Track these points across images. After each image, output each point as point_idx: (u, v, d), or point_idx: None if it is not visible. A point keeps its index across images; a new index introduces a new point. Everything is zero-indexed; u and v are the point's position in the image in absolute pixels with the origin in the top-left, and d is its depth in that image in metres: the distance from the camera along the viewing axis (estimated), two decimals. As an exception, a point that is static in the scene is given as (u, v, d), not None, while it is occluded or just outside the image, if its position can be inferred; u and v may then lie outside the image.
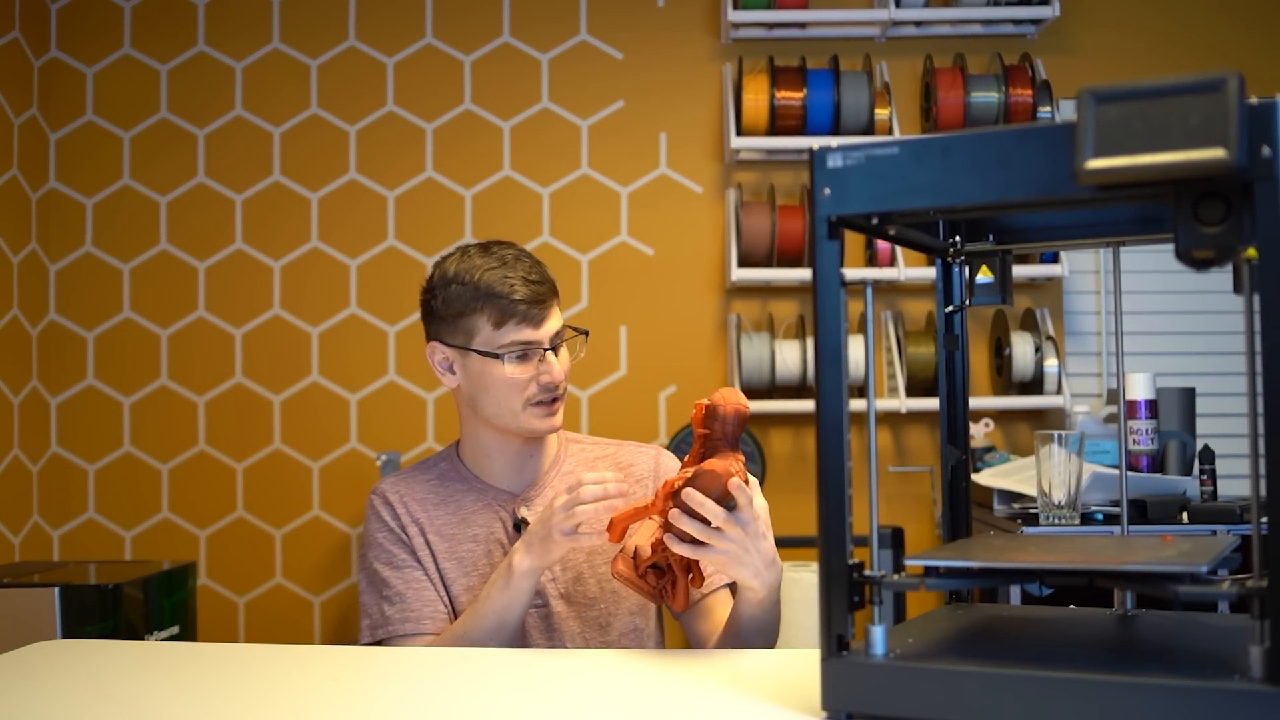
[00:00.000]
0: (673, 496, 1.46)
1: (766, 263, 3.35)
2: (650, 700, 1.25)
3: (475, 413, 1.77)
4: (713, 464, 1.46)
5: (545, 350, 1.72)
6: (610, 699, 1.27)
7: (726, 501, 1.45)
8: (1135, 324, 3.39)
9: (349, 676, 1.37)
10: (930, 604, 3.06)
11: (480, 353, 1.72)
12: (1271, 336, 0.92)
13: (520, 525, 1.78)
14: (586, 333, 1.83)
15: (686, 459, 1.53)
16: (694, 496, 1.44)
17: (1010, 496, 2.71)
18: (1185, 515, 2.48)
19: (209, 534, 3.47)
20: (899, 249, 3.33)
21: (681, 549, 1.47)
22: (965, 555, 1.12)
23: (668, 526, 1.48)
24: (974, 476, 2.83)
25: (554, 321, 1.74)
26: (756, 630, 1.60)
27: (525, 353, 1.71)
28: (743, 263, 3.37)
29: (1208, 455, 2.56)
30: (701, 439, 1.51)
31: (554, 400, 1.74)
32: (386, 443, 3.44)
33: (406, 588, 1.73)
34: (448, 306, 1.74)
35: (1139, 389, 2.59)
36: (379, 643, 1.73)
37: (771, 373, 3.30)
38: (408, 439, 3.46)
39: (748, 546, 1.47)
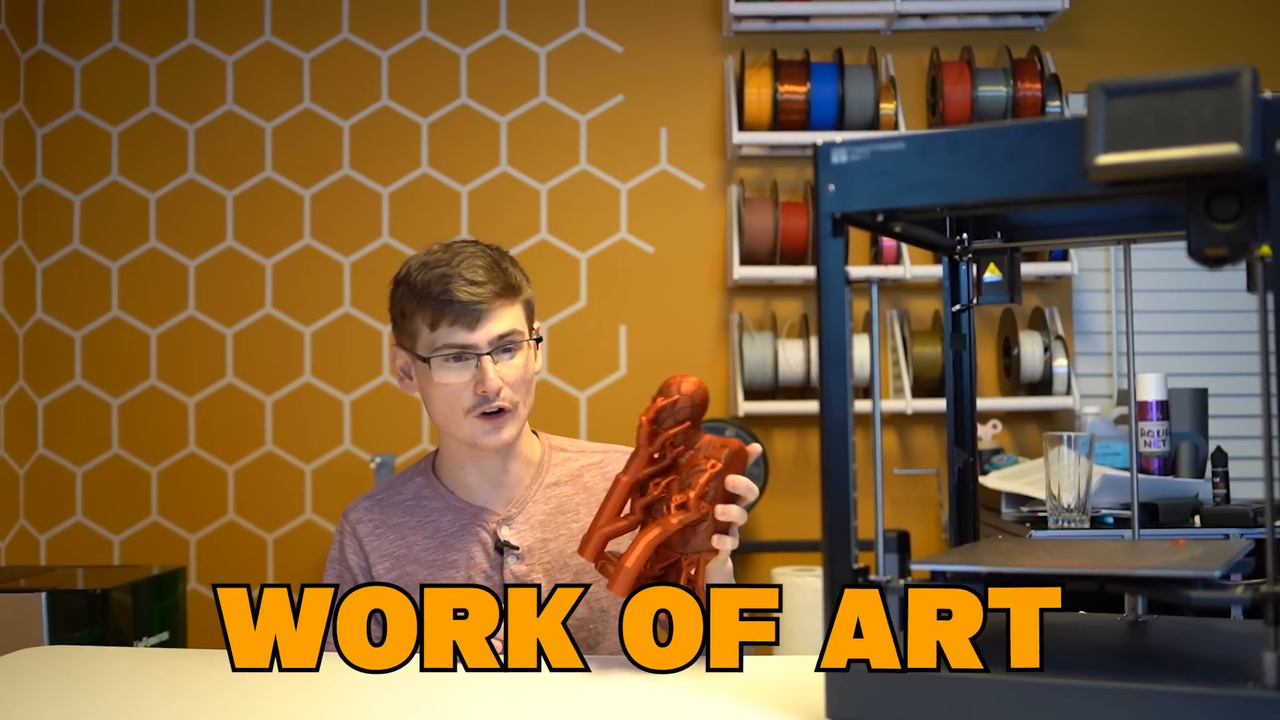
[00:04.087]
0: (700, 497, 1.42)
1: (769, 261, 3.33)
2: (649, 709, 1.23)
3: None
4: (727, 443, 1.45)
5: (482, 355, 1.61)
6: (607, 707, 1.24)
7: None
8: (1146, 323, 3.37)
9: (342, 685, 1.34)
10: (936, 610, 3.03)
11: (419, 357, 1.65)
12: (1285, 336, 0.91)
13: (502, 548, 1.69)
14: (540, 339, 1.71)
15: (640, 462, 1.46)
16: (740, 483, 1.43)
17: (1018, 499, 2.70)
18: (1197, 519, 2.46)
19: (199, 538, 3.44)
20: (905, 246, 3.30)
21: (728, 543, 1.44)
22: (972, 560, 1.12)
23: (689, 525, 1.43)
24: (981, 479, 2.81)
25: (499, 324, 1.62)
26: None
27: (460, 356, 1.62)
28: (745, 261, 3.34)
29: (1220, 457, 2.55)
30: (674, 435, 1.45)
31: (500, 412, 1.63)
32: (380, 445, 3.41)
33: None
34: (395, 308, 1.68)
35: (1150, 390, 2.58)
36: None
37: (774, 373, 3.28)
38: (402, 441, 3.43)
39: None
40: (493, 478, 1.72)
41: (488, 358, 1.61)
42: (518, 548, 1.68)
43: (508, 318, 1.64)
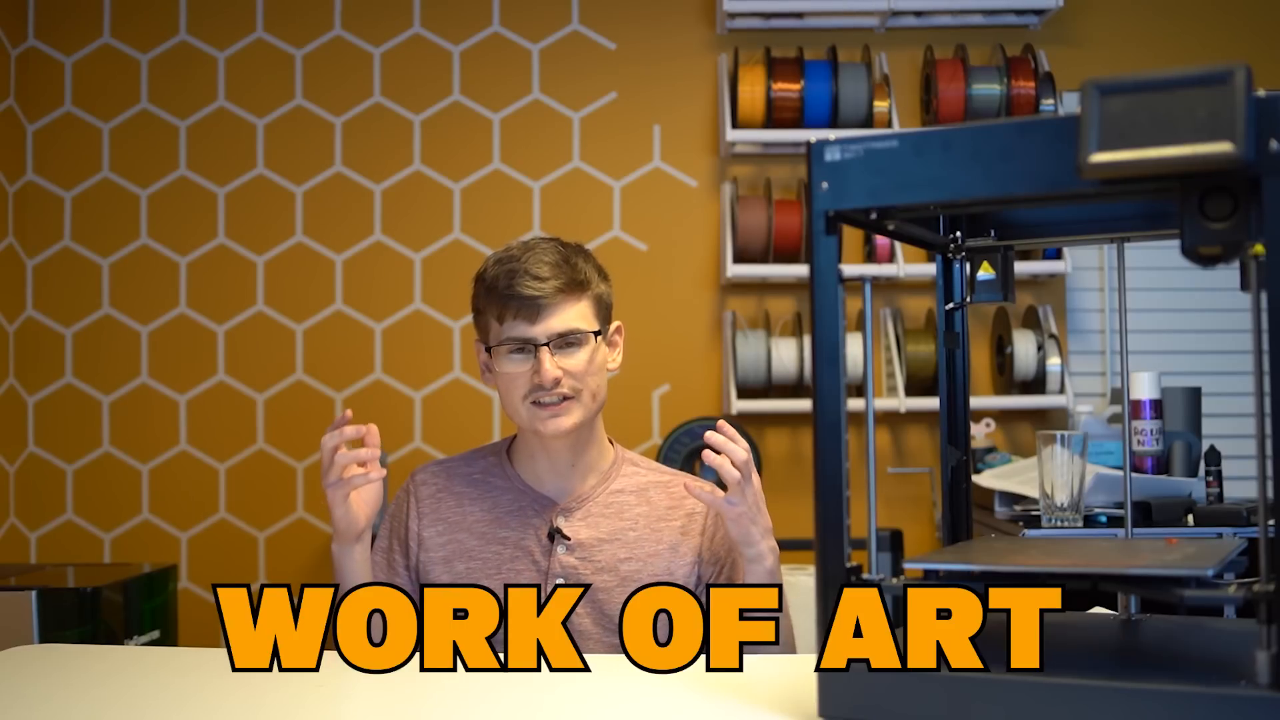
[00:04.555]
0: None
1: (763, 259, 3.32)
2: (642, 707, 1.22)
3: None
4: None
5: (540, 346, 1.67)
6: (606, 707, 1.24)
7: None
8: (1140, 322, 3.37)
9: (335, 684, 1.33)
10: (929, 609, 3.03)
11: (488, 348, 1.73)
12: (1279, 335, 0.90)
13: (554, 535, 1.73)
14: (598, 333, 1.73)
15: None
16: (727, 428, 1.55)
17: (1012, 498, 2.69)
18: (1191, 518, 2.45)
19: (190, 536, 3.43)
20: (898, 245, 3.29)
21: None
22: (966, 558, 1.11)
23: None
24: (975, 478, 2.80)
25: (560, 319, 1.68)
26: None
27: (523, 348, 1.68)
28: (738, 259, 3.33)
29: (1214, 456, 2.54)
30: None
31: (562, 400, 1.69)
32: (373, 443, 3.39)
33: (386, 580, 1.77)
34: (473, 304, 1.77)
35: (1143, 388, 2.57)
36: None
37: (768, 371, 3.28)
38: (395, 439, 3.42)
39: (759, 505, 1.58)
40: (560, 470, 1.77)
41: (545, 349, 1.67)
42: (569, 538, 1.73)
43: (571, 314, 1.69)
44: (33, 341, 3.42)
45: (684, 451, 3.20)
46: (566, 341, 1.69)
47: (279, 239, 3.45)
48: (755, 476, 1.58)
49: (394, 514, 1.82)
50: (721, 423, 1.57)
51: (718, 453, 1.56)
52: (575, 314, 1.70)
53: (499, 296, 1.68)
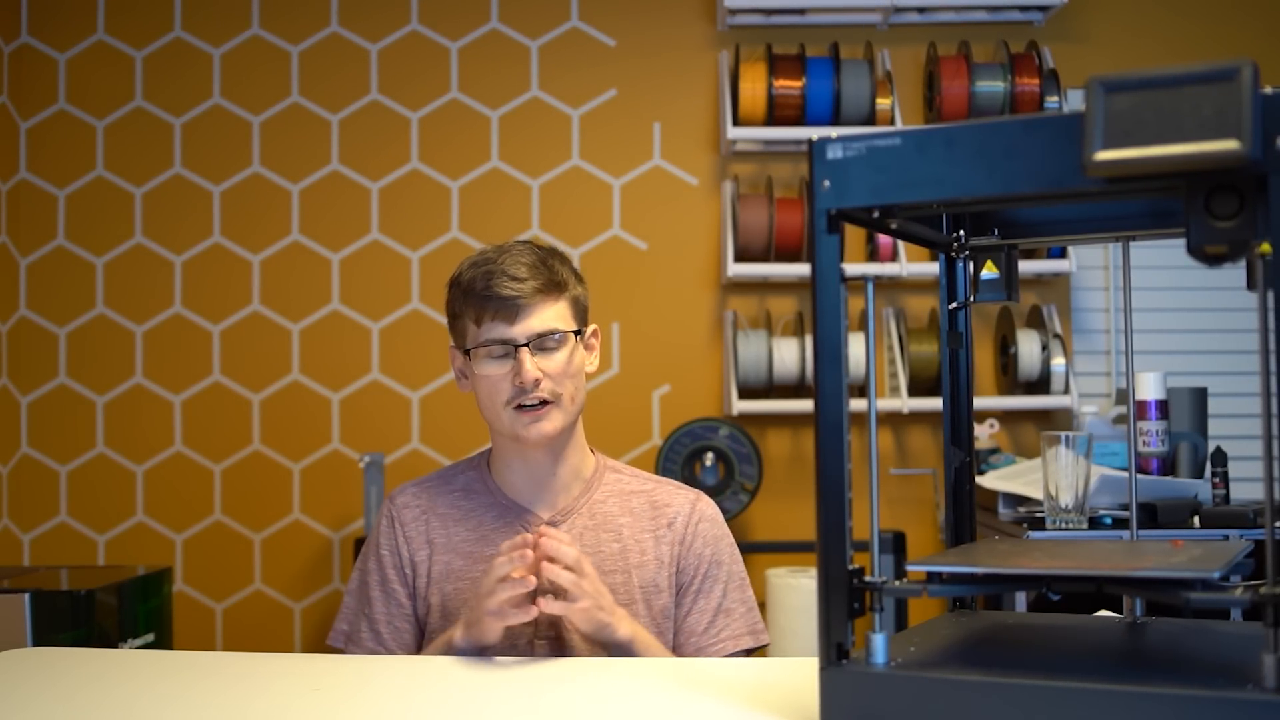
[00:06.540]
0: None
1: (764, 258, 3.31)
2: (643, 709, 1.23)
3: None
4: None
5: (519, 347, 1.64)
6: (602, 708, 1.24)
7: None
8: (1145, 321, 3.35)
9: (331, 686, 1.34)
10: (933, 611, 3.03)
11: (465, 351, 1.70)
12: (1285, 334, 0.91)
13: None
14: (578, 332, 1.71)
15: None
16: (549, 534, 1.54)
17: (1016, 500, 2.70)
18: (1197, 519, 2.46)
19: (185, 538, 3.41)
20: (901, 243, 3.28)
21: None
22: (969, 561, 1.11)
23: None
24: (978, 479, 2.79)
25: (539, 319, 1.66)
26: None
27: (500, 349, 1.66)
28: (739, 258, 3.31)
29: (1220, 457, 2.55)
30: None
31: (542, 404, 1.66)
32: (370, 444, 3.39)
33: (389, 618, 1.72)
34: (448, 309, 1.75)
35: (1149, 389, 2.57)
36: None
37: (769, 371, 3.27)
38: (392, 440, 3.40)
39: (600, 592, 1.56)
40: (539, 479, 1.74)
41: (525, 350, 1.65)
42: None
43: (550, 314, 1.67)
44: (26, 341, 3.40)
45: (684, 452, 3.17)
46: (546, 343, 1.67)
47: (275, 237, 3.43)
48: (588, 568, 1.55)
49: (381, 543, 1.76)
50: (544, 529, 1.57)
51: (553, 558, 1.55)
52: (554, 314, 1.68)
53: (477, 298, 1.66)
